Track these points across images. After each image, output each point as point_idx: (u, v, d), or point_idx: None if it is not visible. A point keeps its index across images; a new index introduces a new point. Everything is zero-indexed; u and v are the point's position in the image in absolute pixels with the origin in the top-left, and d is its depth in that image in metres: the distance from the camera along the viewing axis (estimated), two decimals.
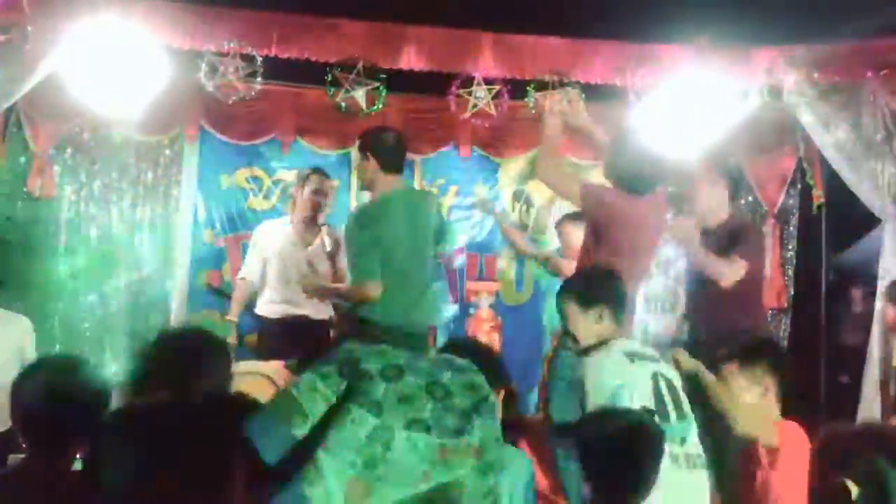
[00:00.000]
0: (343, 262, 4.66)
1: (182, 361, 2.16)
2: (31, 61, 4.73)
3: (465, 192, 5.93)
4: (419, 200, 4.05)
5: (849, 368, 5.49)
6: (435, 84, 5.55)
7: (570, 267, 4.28)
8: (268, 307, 4.89)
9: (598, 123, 4.02)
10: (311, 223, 4.88)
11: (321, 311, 4.83)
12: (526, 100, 5.59)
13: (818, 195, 5.68)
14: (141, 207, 5.57)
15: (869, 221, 5.41)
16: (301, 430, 1.49)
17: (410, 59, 5.39)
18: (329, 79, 5.41)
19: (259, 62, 5.25)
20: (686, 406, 2.80)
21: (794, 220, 5.84)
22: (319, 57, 5.36)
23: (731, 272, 3.95)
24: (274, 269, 4.86)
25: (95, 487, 1.71)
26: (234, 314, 4.91)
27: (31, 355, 4.40)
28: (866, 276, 5.54)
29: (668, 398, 2.76)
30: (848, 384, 5.43)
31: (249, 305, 4.98)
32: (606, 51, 5.55)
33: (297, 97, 5.64)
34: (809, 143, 5.52)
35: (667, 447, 2.51)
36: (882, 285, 5.11)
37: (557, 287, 3.41)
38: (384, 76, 5.42)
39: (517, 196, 5.97)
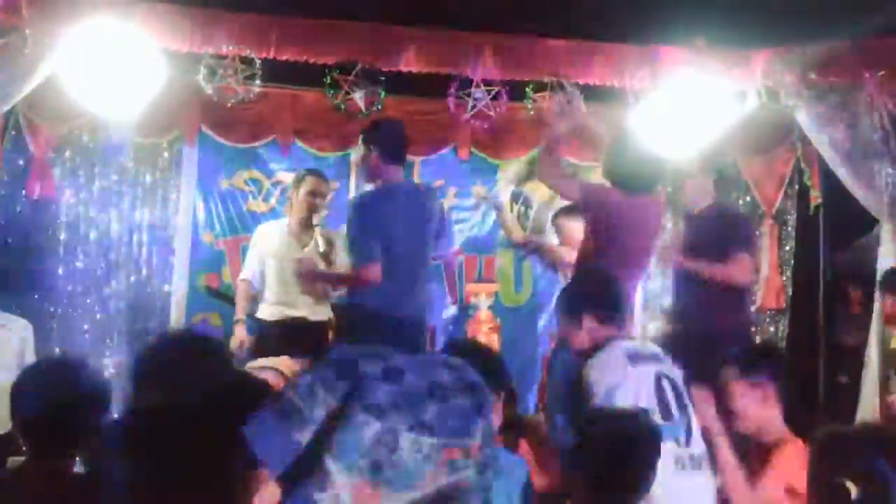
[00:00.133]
0: (339, 261, 4.67)
1: (182, 363, 2.17)
2: (31, 64, 4.74)
3: (465, 194, 5.93)
4: (421, 193, 4.06)
5: (847, 369, 5.49)
6: (434, 86, 5.55)
7: (568, 254, 4.29)
8: (265, 309, 4.89)
9: (597, 124, 4.04)
10: (307, 224, 4.89)
11: (319, 312, 4.84)
12: (525, 101, 5.60)
13: (816, 196, 5.68)
14: (140, 210, 5.57)
15: (866, 222, 5.41)
16: (302, 436, 1.48)
17: (409, 61, 5.40)
18: (328, 81, 5.41)
19: (258, 64, 5.26)
20: (690, 407, 2.80)
21: (791, 221, 5.85)
22: (318, 59, 5.37)
23: (739, 272, 3.97)
24: (271, 270, 4.87)
25: (96, 490, 1.72)
26: (240, 314, 4.89)
27: (31, 357, 4.41)
28: (864, 276, 5.54)
29: (671, 399, 2.76)
30: (846, 384, 5.44)
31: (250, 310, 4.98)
32: (605, 52, 5.56)
33: (295, 99, 5.63)
34: (807, 143, 5.53)
35: (670, 448, 2.51)
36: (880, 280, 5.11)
37: (557, 288, 3.42)
38: (383, 78, 5.43)
39: (516, 197, 5.97)
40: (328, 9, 5.36)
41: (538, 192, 5.88)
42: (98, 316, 5.43)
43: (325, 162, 5.61)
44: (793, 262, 5.84)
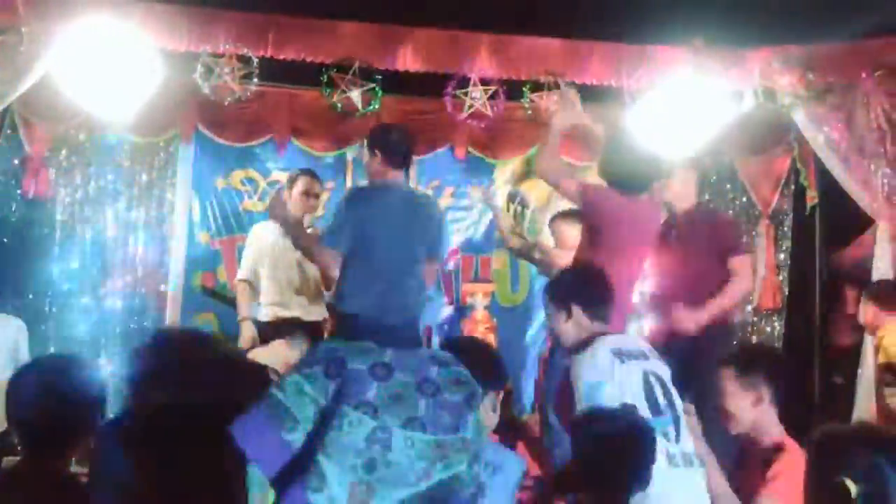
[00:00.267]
0: None
1: (178, 363, 2.16)
2: (26, 63, 4.72)
3: (461, 194, 5.93)
4: (418, 201, 4.02)
5: (843, 369, 5.50)
6: (431, 85, 5.55)
7: (563, 257, 4.28)
8: (259, 310, 4.87)
9: (594, 123, 4.04)
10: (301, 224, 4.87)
11: (313, 313, 4.82)
12: (522, 101, 5.60)
13: (812, 196, 5.69)
14: (136, 209, 5.57)
15: (863, 222, 5.42)
16: (292, 436, 1.46)
17: (406, 60, 5.39)
18: (325, 80, 5.40)
19: (255, 63, 5.25)
20: (678, 404, 2.79)
21: (787, 221, 5.86)
22: (315, 58, 5.36)
23: (740, 290, 4.02)
24: (266, 269, 4.85)
25: (91, 490, 1.71)
26: (245, 313, 4.82)
27: (26, 356, 4.40)
28: (860, 276, 5.54)
29: (659, 396, 2.75)
30: (842, 385, 5.44)
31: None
32: (602, 52, 5.56)
33: (292, 98, 5.63)
34: (803, 143, 5.53)
35: (662, 445, 2.51)
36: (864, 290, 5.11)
37: None
38: (380, 77, 5.42)
39: (512, 197, 5.97)
40: (325, 8, 5.35)
41: (535, 192, 5.88)
42: (93, 315, 5.42)
43: (321, 161, 5.60)
44: (789, 262, 5.85)
